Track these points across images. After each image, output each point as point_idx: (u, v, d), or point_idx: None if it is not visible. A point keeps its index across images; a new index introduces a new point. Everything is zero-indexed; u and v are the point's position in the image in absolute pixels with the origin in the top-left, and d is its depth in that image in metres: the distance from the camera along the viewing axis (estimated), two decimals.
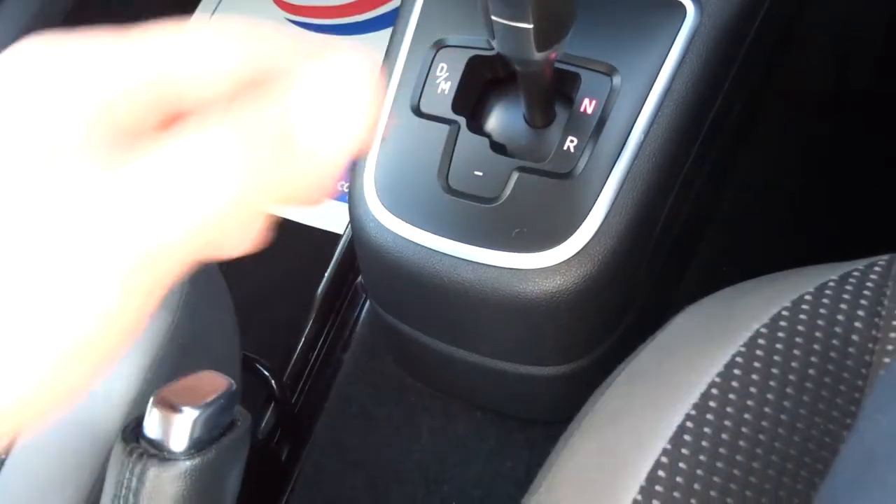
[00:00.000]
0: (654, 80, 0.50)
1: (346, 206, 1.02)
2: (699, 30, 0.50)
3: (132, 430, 0.32)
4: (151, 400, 0.32)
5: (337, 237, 0.89)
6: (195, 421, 0.31)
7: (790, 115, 0.77)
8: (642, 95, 0.50)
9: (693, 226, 0.64)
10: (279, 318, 0.80)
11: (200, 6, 1.25)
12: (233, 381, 0.34)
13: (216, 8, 1.25)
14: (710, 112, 0.53)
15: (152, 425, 0.31)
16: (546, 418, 0.65)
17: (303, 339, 0.75)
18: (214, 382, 0.33)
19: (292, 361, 0.74)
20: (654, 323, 0.46)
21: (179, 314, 0.51)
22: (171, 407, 0.31)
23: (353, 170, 0.56)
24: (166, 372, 0.49)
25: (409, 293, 0.56)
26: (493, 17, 0.41)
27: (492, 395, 0.63)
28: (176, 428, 0.31)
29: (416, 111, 0.53)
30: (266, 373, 0.70)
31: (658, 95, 0.50)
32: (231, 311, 0.59)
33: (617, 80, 0.50)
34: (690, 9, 0.51)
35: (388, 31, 1.21)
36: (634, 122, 0.49)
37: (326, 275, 0.77)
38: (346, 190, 1.02)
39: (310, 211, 1.02)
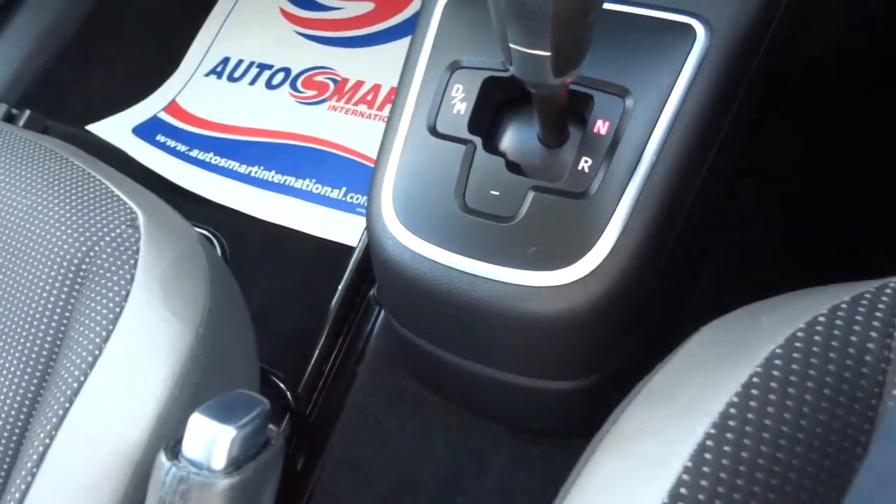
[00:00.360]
0: (666, 102, 0.51)
1: (358, 218, 1.03)
2: (709, 52, 0.51)
3: (172, 450, 0.33)
4: (190, 420, 0.33)
5: (349, 249, 0.90)
6: (234, 440, 0.32)
7: (797, 120, 0.78)
8: (654, 117, 0.51)
9: (703, 238, 0.66)
10: (292, 329, 0.81)
11: (212, 15, 1.26)
12: (266, 401, 0.35)
13: (228, 15, 1.25)
14: (720, 131, 0.54)
15: (192, 445, 0.32)
16: (560, 432, 0.66)
17: (317, 351, 0.76)
18: (249, 402, 0.34)
19: (306, 373, 0.75)
20: (666, 336, 0.47)
21: (201, 330, 0.52)
22: (210, 427, 0.32)
23: (371, 187, 0.57)
24: (190, 387, 0.50)
25: (425, 309, 0.57)
26: (512, 45, 0.42)
27: (506, 408, 0.65)
28: (216, 447, 0.32)
29: (433, 131, 0.55)
30: (281, 385, 0.71)
31: (670, 116, 0.51)
32: (249, 324, 0.60)
33: (630, 101, 0.51)
34: (700, 32, 0.52)
35: (396, 44, 1.22)
36: (647, 142, 0.51)
37: (340, 287, 0.78)
38: (352, 201, 1.04)
39: (323, 223, 1.03)
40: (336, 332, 0.77)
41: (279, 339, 0.80)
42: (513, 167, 0.53)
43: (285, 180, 1.09)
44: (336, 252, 0.89)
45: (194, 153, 1.13)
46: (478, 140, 0.53)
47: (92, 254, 0.53)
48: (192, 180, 1.10)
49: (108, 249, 0.53)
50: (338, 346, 0.77)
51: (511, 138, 0.55)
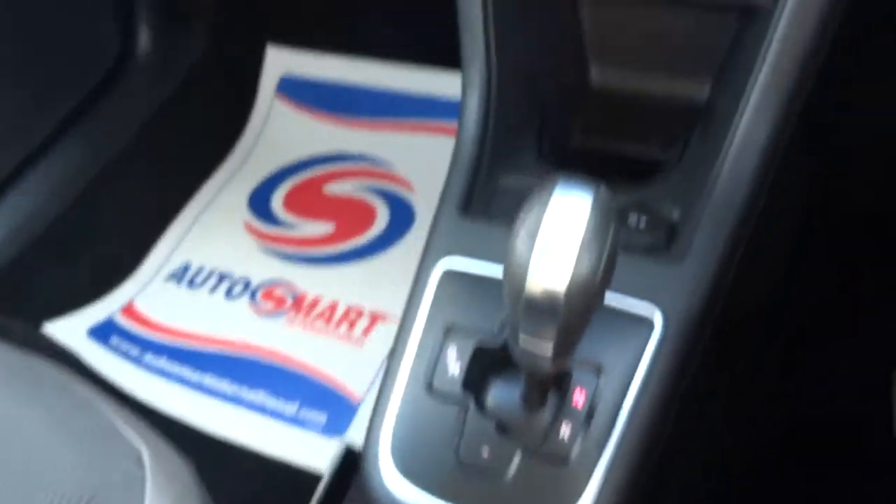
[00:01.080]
0: (632, 379, 0.60)
1: (310, 435, 1.05)
2: (666, 336, 0.62)
3: None
4: None
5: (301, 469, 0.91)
6: None
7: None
8: (623, 391, 0.59)
9: (671, 471, 0.72)
10: None
11: (177, 221, 1.31)
12: None
13: (193, 222, 1.31)
14: (682, 389, 0.62)
15: None
16: None
17: None
18: None
19: None
20: None
21: None
22: None
23: (368, 435, 0.62)
24: None
25: None
26: (521, 345, 0.50)
27: None
28: None
29: (429, 388, 0.61)
30: None
31: (637, 391, 0.59)
32: None
33: (603, 379, 0.60)
34: (657, 320, 0.62)
35: (353, 265, 1.30)
36: (618, 414, 0.59)
37: None
38: (305, 417, 1.06)
39: (273, 439, 1.04)
40: None
41: None
42: (501, 427, 0.60)
43: (237, 391, 1.11)
44: (300, 477, 0.89)
45: (147, 358, 1.15)
46: (471, 400, 0.60)
47: (100, 494, 0.54)
48: (143, 387, 1.10)
49: (116, 490, 0.54)
50: None
51: (498, 397, 0.62)
